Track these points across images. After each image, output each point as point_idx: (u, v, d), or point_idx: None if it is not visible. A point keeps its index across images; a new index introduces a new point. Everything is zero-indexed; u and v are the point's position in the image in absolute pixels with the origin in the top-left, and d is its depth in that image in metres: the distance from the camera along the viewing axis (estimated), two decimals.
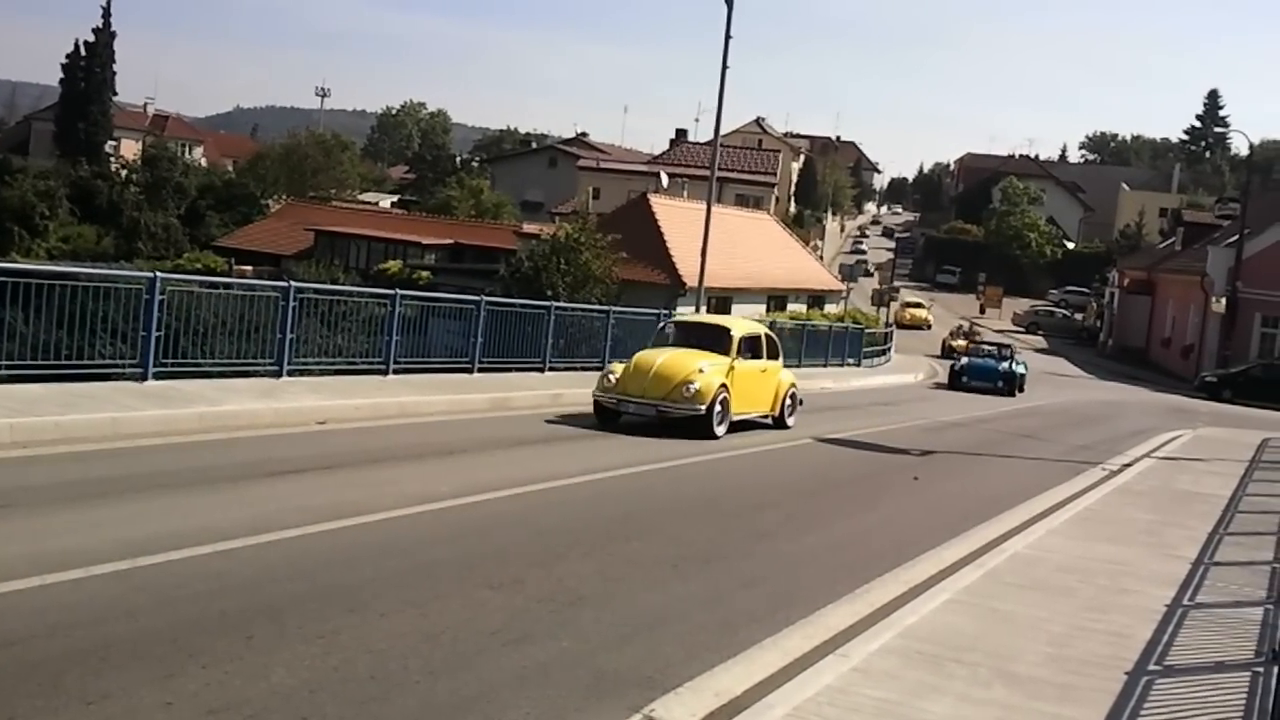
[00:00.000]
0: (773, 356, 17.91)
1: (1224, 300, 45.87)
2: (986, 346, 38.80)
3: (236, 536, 7.74)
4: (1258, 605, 8.47)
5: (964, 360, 34.89)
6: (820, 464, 15.46)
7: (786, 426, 17.96)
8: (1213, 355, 46.20)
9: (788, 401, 18.15)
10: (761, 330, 18.44)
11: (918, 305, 67.72)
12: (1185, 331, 51.48)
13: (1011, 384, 32.82)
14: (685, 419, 15.57)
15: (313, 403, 13.74)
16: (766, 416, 17.79)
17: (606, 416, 16.03)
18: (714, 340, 16.80)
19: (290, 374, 15.07)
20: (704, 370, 15.87)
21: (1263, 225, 46.97)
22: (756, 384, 17.17)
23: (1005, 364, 33.79)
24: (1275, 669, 6.23)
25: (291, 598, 6.67)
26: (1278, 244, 46.00)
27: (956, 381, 33.09)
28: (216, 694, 5.17)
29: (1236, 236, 46.62)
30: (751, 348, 17.18)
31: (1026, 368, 35.85)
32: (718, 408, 15.79)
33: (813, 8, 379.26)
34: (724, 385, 15.92)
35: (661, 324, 20.18)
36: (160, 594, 6.51)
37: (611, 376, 16.23)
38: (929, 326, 61.83)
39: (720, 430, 15.87)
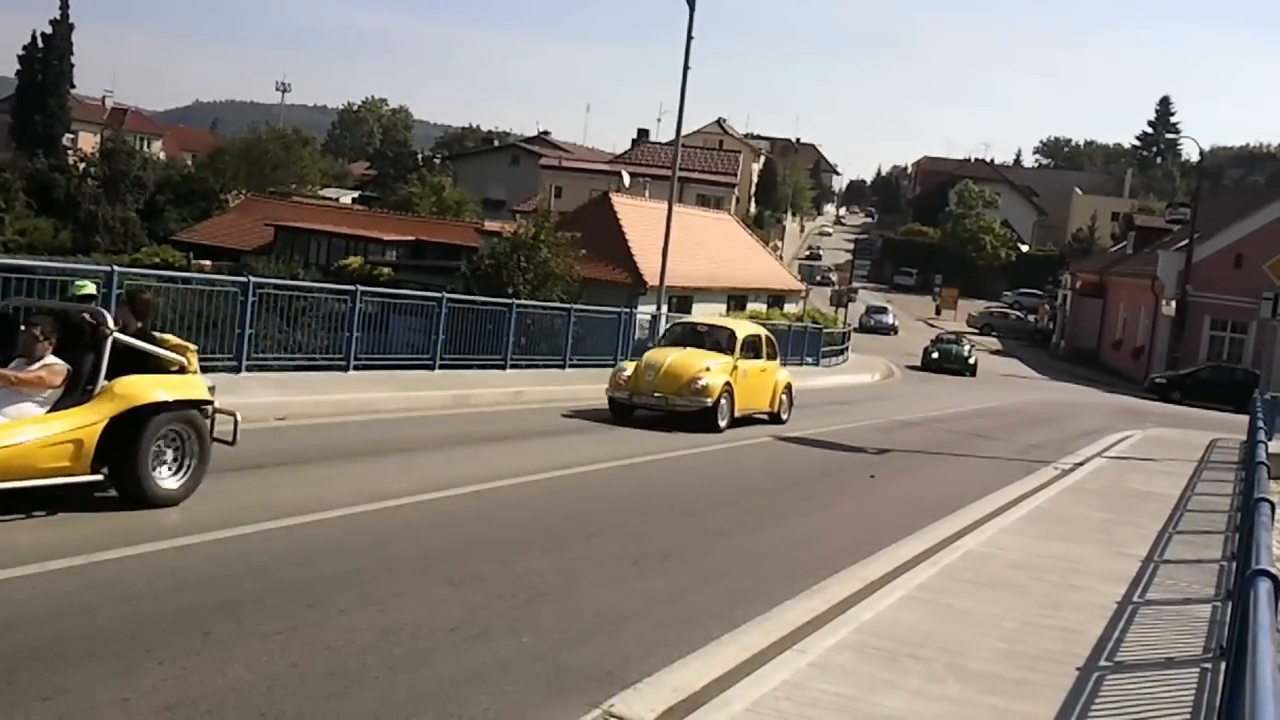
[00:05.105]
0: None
1: (1174, 303, 46.47)
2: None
3: (193, 532, 7.70)
4: (1206, 602, 8.62)
5: None
6: (779, 462, 15.54)
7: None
8: (1162, 357, 46.77)
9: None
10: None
11: None
12: (1136, 334, 52.15)
13: None
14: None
15: (272, 398, 13.64)
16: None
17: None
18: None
19: (249, 369, 14.96)
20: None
21: (1212, 230, 47.58)
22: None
23: None
24: (1223, 665, 6.35)
25: (249, 594, 6.65)
26: (1227, 248, 46.59)
27: None
28: (174, 690, 5.15)
29: (1186, 241, 47.23)
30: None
31: None
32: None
33: (774, 11, 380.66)
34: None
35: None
36: (117, 590, 6.47)
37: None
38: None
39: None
